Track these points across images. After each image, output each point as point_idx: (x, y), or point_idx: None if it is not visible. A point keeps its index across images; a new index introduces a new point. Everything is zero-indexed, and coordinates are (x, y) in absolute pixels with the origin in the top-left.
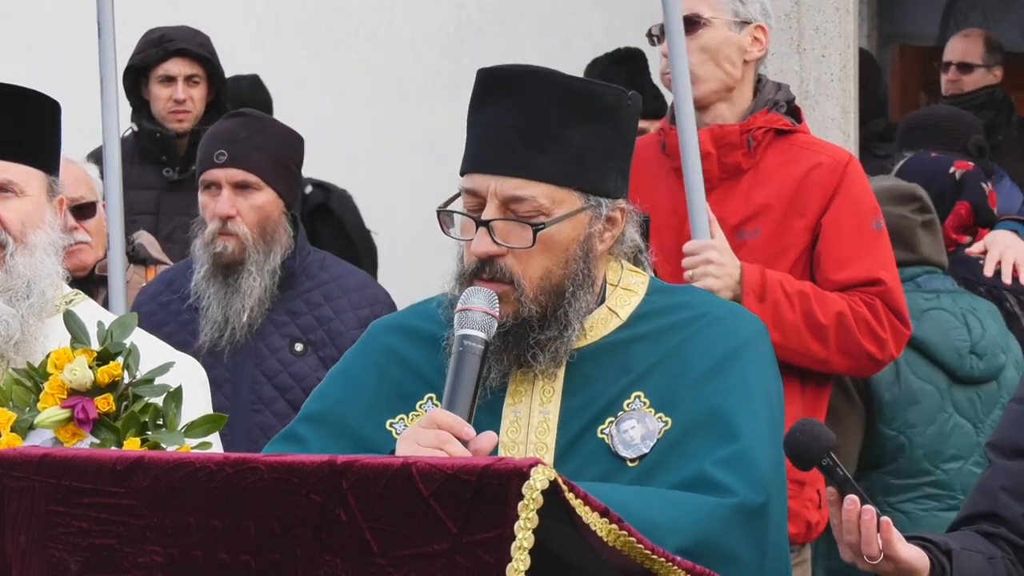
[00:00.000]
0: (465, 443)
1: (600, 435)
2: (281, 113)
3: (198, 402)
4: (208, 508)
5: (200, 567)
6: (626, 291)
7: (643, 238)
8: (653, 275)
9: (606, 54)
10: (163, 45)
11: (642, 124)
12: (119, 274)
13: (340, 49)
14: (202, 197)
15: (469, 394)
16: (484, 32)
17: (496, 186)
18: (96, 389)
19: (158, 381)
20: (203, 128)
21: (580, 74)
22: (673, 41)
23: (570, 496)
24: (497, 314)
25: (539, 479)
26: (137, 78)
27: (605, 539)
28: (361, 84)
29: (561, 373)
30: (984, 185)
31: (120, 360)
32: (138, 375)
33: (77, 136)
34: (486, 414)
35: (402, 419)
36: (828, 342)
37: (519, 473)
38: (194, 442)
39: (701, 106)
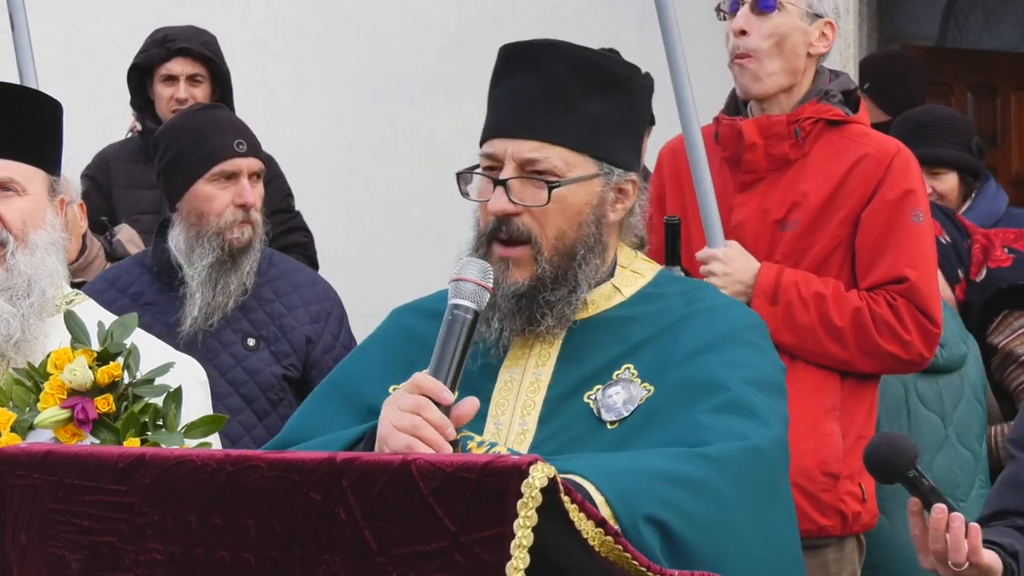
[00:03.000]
0: (446, 408)
1: (587, 400)
2: (281, 113)
3: (198, 402)
4: (209, 506)
5: (200, 565)
6: (634, 274)
7: (674, 239)
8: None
9: None
10: (166, 45)
11: None
12: None
13: (340, 49)
14: (210, 188)
15: (454, 362)
16: (484, 32)
17: (513, 149)
18: (96, 389)
19: (158, 381)
20: None
21: None
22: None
23: (565, 499)
24: (490, 286)
25: (538, 476)
26: (142, 78)
27: (598, 549)
28: (361, 84)
29: (559, 340)
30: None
31: (120, 360)
32: (138, 375)
33: (77, 136)
34: (482, 378)
35: None
36: (847, 344)
37: (518, 471)
38: (194, 443)
39: (764, 99)
